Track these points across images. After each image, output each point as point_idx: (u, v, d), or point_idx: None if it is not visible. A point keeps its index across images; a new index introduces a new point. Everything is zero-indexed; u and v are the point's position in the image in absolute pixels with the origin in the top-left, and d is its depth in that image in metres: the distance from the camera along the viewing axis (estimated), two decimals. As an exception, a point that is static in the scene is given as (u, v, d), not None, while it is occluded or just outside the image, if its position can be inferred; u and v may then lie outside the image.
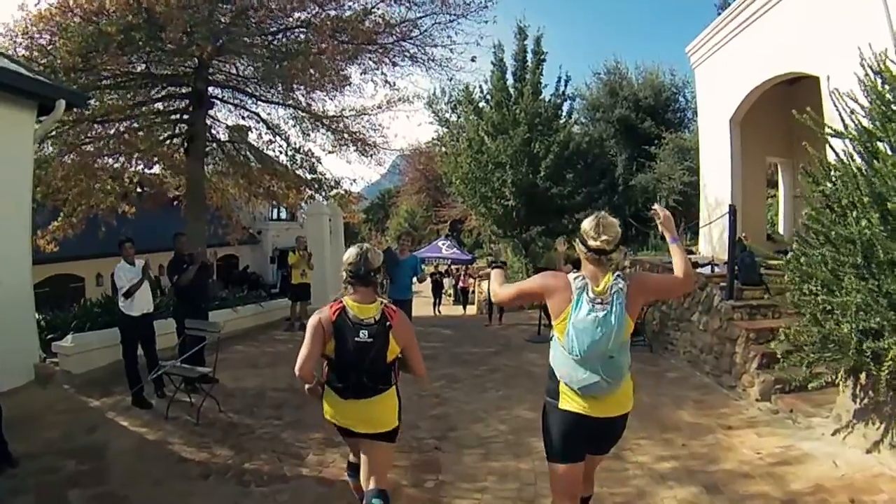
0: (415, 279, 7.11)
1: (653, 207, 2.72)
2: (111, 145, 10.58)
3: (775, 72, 7.95)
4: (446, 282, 22.83)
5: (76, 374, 6.29)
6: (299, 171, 12.90)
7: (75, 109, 9.68)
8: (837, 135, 4.18)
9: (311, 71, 10.10)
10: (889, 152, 3.65)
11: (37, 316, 7.88)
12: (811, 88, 8.87)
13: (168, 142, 11.87)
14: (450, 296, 22.81)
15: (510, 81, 17.58)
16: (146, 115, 10.52)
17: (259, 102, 12.67)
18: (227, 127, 13.12)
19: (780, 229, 10.98)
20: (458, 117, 19.27)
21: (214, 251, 9.86)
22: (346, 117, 13.04)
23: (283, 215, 26.69)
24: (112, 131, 10.36)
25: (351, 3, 10.63)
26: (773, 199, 12.24)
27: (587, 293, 2.33)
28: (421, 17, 11.11)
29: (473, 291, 21.13)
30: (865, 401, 4.10)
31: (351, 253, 2.73)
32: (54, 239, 10.82)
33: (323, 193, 13.13)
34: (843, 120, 4.14)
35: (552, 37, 34.32)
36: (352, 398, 2.63)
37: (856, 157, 3.95)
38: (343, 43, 10.21)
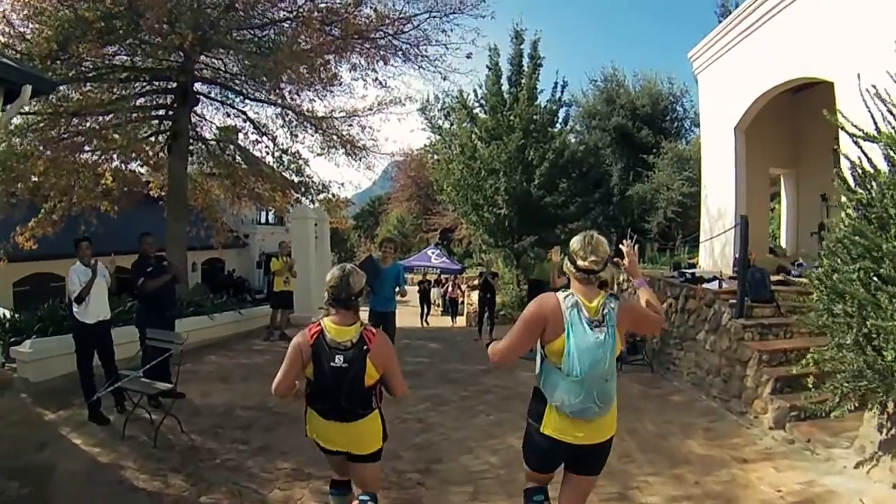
0: (397, 290, 6.53)
1: (623, 242, 2.78)
2: (89, 140, 10.16)
3: (786, 77, 7.67)
4: (435, 291, 22.27)
5: (34, 383, 5.95)
6: (286, 174, 12.52)
7: (56, 102, 9.31)
8: (869, 139, 3.78)
9: (299, 67, 9.71)
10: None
11: (6, 314, 7.41)
12: (818, 96, 8.61)
13: (151, 139, 11.46)
14: (438, 306, 22.28)
15: (505, 87, 17.28)
16: (125, 109, 10.06)
17: (247, 101, 12.31)
18: (217, 128, 12.82)
19: (783, 242, 10.67)
20: (451, 124, 18.96)
21: (193, 263, 9.36)
22: (336, 118, 12.66)
23: (272, 219, 26.34)
24: (88, 124, 9.86)
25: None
26: (772, 211, 11.89)
27: (581, 312, 2.31)
28: (417, 15, 10.75)
29: (462, 302, 20.64)
30: (893, 431, 3.75)
31: (333, 275, 2.67)
32: (33, 236, 10.55)
33: (310, 197, 12.75)
34: (875, 123, 3.76)
35: (547, 44, 34.08)
36: (333, 420, 2.58)
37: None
38: (332, 36, 9.78)
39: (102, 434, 4.82)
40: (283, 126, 12.53)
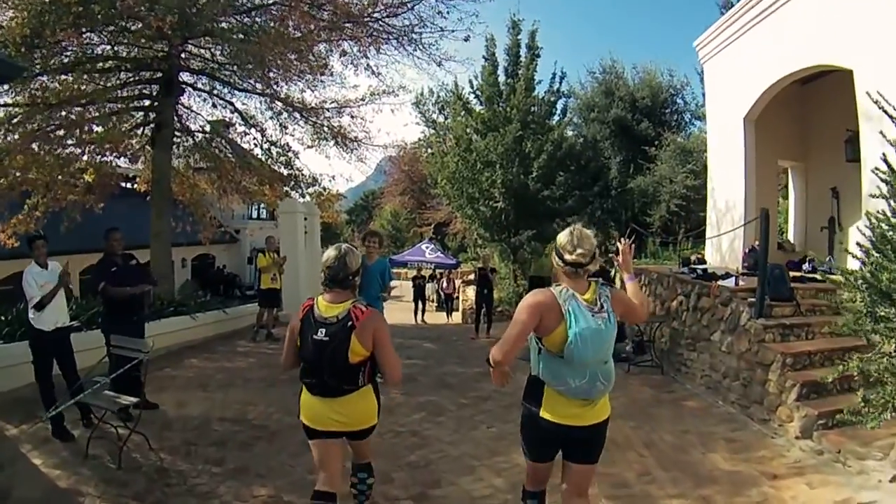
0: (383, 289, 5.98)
1: (621, 240, 2.86)
2: (70, 133, 9.63)
3: (799, 66, 7.32)
4: (429, 286, 21.75)
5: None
6: (275, 166, 12.03)
7: (35, 92, 8.79)
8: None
9: (288, 54, 9.20)
10: None
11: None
12: (828, 87, 8.23)
13: (134, 130, 10.94)
14: (433, 301, 21.77)
15: (502, 78, 16.84)
16: (107, 99, 9.57)
17: (234, 91, 11.77)
18: (208, 122, 12.33)
19: (790, 237, 10.28)
20: (446, 118, 18.46)
21: (183, 259, 8.86)
22: (327, 109, 12.15)
23: (263, 214, 25.88)
24: (64, 113, 9.31)
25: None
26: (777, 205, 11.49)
27: (579, 302, 2.33)
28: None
29: (458, 297, 20.17)
30: (931, 443, 3.40)
31: (329, 255, 2.69)
32: (15, 233, 10.16)
33: (299, 190, 12.27)
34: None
35: (544, 40, 33.56)
36: (318, 395, 2.61)
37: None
38: (321, 21, 9.26)
39: (65, 452, 4.34)
40: (272, 117, 12.07)
